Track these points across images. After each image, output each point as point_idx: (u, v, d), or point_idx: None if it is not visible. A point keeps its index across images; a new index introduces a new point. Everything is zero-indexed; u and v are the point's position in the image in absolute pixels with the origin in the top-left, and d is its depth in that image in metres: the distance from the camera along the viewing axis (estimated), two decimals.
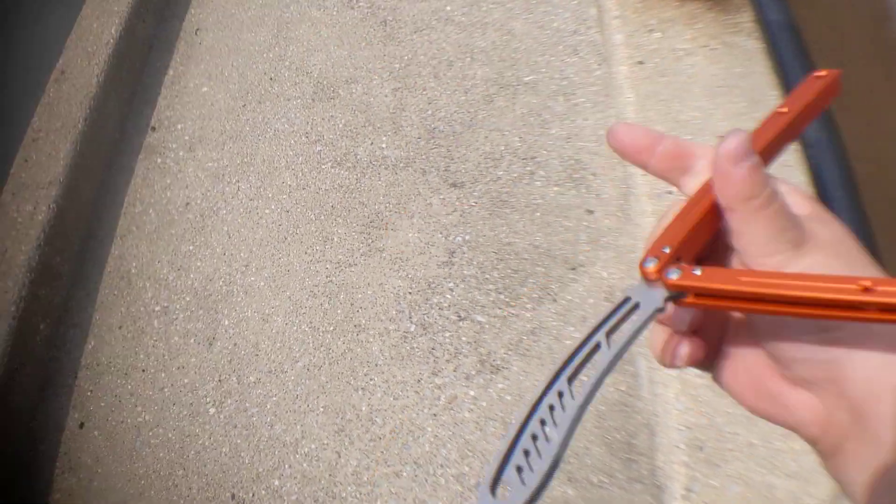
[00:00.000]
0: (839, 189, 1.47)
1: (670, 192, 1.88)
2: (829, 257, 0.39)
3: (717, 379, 0.46)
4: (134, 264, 2.12)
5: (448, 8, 2.63)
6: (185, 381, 1.91)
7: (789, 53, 1.70)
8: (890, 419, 0.35)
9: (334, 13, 2.69)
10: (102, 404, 1.90)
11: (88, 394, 1.92)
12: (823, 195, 1.50)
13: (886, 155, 1.41)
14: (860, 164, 1.47)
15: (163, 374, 1.92)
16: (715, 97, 2.03)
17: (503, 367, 1.83)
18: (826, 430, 0.39)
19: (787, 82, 1.78)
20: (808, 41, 1.84)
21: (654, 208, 1.90)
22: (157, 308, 2.03)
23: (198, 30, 2.72)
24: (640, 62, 2.17)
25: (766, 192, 0.39)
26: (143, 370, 1.94)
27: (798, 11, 1.88)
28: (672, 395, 1.67)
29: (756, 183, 0.39)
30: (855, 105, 1.54)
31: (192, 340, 1.97)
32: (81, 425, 1.87)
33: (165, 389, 1.90)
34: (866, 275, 0.35)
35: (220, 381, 1.90)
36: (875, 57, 1.41)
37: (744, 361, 0.44)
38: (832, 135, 1.49)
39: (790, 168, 1.81)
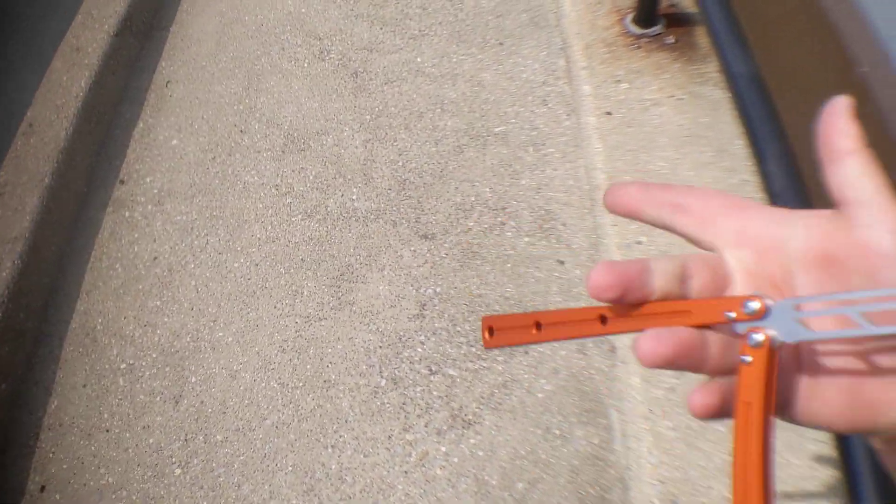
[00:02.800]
0: None
1: (639, 243, 1.89)
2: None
3: (795, 415, 0.42)
4: (99, 321, 2.09)
5: (418, 59, 2.65)
6: (151, 440, 1.86)
7: (752, 102, 1.72)
8: None
9: (305, 65, 2.70)
10: (64, 466, 1.85)
11: (50, 455, 1.87)
12: None
13: None
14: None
15: (127, 434, 1.88)
16: (682, 147, 2.05)
17: (475, 422, 1.81)
18: None
19: (749, 129, 1.80)
20: (772, 90, 1.86)
21: (624, 258, 1.89)
22: (123, 366, 1.99)
23: (168, 82, 2.71)
24: (608, 113, 2.19)
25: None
26: (108, 430, 1.89)
27: (761, 61, 1.91)
28: (645, 448, 1.65)
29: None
30: (817, 153, 1.55)
31: (157, 398, 1.93)
32: (42, 488, 1.82)
33: (130, 450, 1.85)
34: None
35: (186, 440, 1.85)
36: None
37: (833, 386, 0.41)
38: (798, 185, 1.50)
39: None
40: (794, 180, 1.49)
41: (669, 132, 2.09)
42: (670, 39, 2.36)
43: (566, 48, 2.54)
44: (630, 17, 2.44)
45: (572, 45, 2.47)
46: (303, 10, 2.91)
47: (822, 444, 1.52)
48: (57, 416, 1.94)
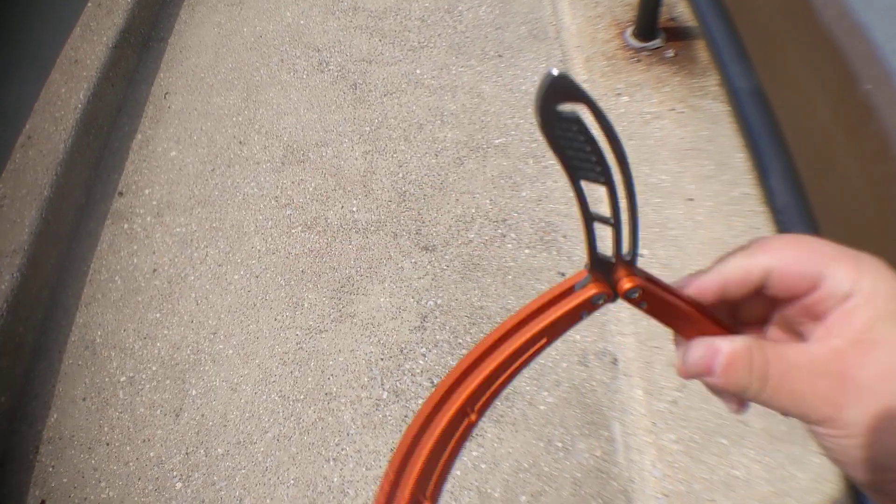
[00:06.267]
0: None
1: (641, 255, 1.89)
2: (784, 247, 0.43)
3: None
4: (99, 333, 2.08)
5: (418, 71, 2.65)
6: (151, 454, 1.85)
7: (755, 118, 1.73)
8: None
9: (304, 77, 2.70)
10: (65, 480, 1.83)
11: (50, 469, 1.85)
12: None
13: (853, 219, 1.43)
14: (828, 227, 1.49)
15: (128, 448, 1.87)
16: (683, 160, 2.06)
17: (477, 435, 1.80)
18: None
19: (753, 145, 1.81)
20: (773, 104, 1.88)
21: None
22: (123, 378, 1.98)
23: (167, 94, 2.71)
24: None
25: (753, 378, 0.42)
26: (108, 444, 1.88)
27: (763, 76, 1.92)
28: (648, 461, 1.65)
29: (734, 382, 0.43)
30: (820, 169, 1.57)
31: (158, 412, 1.92)
32: (42, 502, 1.81)
33: (130, 464, 1.84)
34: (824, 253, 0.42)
35: (187, 453, 1.85)
36: (839, 121, 1.44)
37: None
38: (800, 199, 1.51)
39: (758, 231, 1.83)
40: (797, 196, 1.50)
41: (670, 145, 2.10)
42: (670, 53, 2.38)
43: (566, 61, 2.55)
44: (630, 30, 2.46)
45: (572, 58, 2.48)
46: (301, 22, 2.92)
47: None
48: (57, 430, 1.92)
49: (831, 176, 1.44)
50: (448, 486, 1.71)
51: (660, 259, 1.87)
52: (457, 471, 1.75)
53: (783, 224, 1.41)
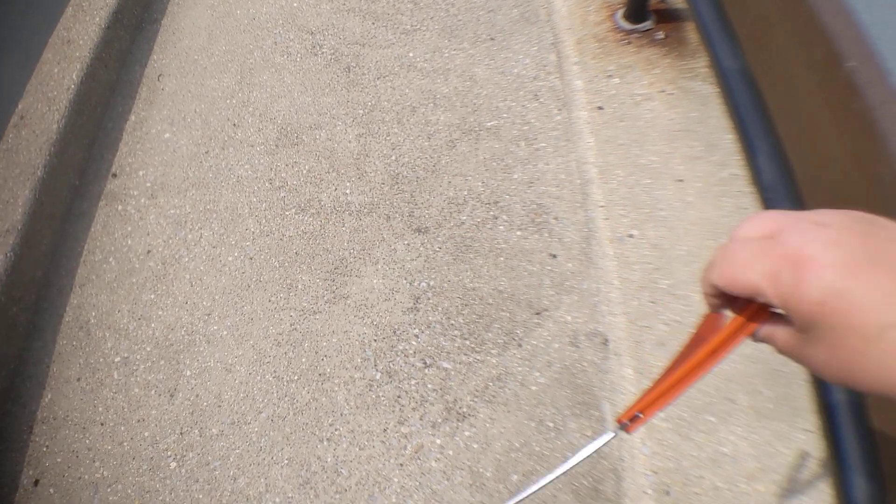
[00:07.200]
0: None
1: (631, 236, 1.91)
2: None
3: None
4: (93, 314, 2.09)
5: (411, 54, 2.66)
6: (146, 434, 1.87)
7: (744, 98, 1.74)
8: None
9: (298, 59, 2.70)
10: (59, 460, 1.85)
11: (44, 449, 1.87)
12: None
13: (839, 196, 1.45)
14: (814, 205, 1.50)
15: (122, 428, 1.88)
16: (673, 141, 2.07)
17: (470, 415, 1.82)
18: None
19: (740, 125, 1.82)
20: (761, 85, 1.89)
21: (616, 251, 1.92)
22: (117, 359, 2.00)
23: (160, 75, 2.71)
24: (600, 107, 2.20)
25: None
26: (102, 423, 1.89)
27: (750, 56, 1.93)
28: (638, 439, 1.67)
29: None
30: (807, 148, 1.58)
31: (152, 392, 1.93)
32: (36, 482, 1.82)
33: (125, 443, 1.86)
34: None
35: (181, 433, 1.86)
36: (825, 100, 1.45)
37: None
38: (787, 178, 1.52)
39: (746, 210, 1.84)
40: (784, 175, 1.51)
41: (660, 126, 2.11)
42: (660, 35, 2.38)
43: (557, 43, 2.55)
44: (620, 12, 2.46)
45: (563, 41, 2.49)
46: (294, 5, 2.91)
47: (811, 433, 1.55)
48: (51, 410, 1.94)
49: (818, 154, 1.45)
50: (440, 465, 1.73)
51: (649, 239, 1.89)
52: (449, 450, 1.77)
53: (770, 202, 1.42)
